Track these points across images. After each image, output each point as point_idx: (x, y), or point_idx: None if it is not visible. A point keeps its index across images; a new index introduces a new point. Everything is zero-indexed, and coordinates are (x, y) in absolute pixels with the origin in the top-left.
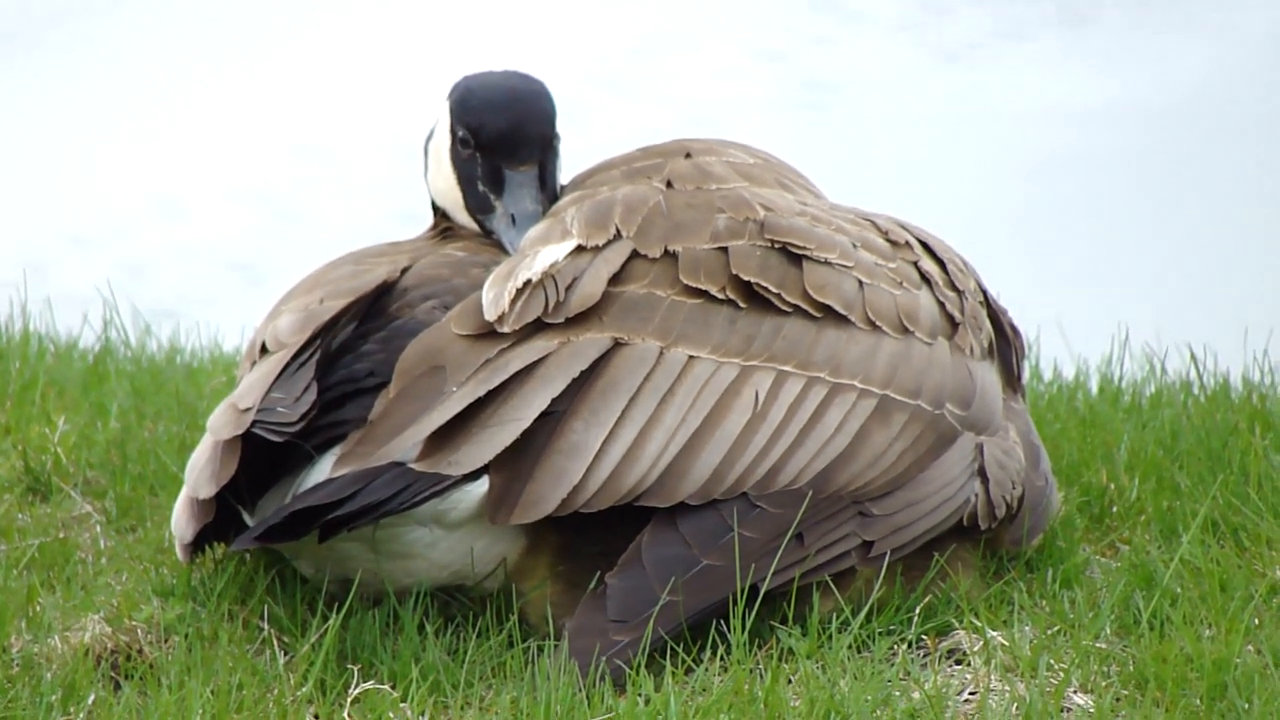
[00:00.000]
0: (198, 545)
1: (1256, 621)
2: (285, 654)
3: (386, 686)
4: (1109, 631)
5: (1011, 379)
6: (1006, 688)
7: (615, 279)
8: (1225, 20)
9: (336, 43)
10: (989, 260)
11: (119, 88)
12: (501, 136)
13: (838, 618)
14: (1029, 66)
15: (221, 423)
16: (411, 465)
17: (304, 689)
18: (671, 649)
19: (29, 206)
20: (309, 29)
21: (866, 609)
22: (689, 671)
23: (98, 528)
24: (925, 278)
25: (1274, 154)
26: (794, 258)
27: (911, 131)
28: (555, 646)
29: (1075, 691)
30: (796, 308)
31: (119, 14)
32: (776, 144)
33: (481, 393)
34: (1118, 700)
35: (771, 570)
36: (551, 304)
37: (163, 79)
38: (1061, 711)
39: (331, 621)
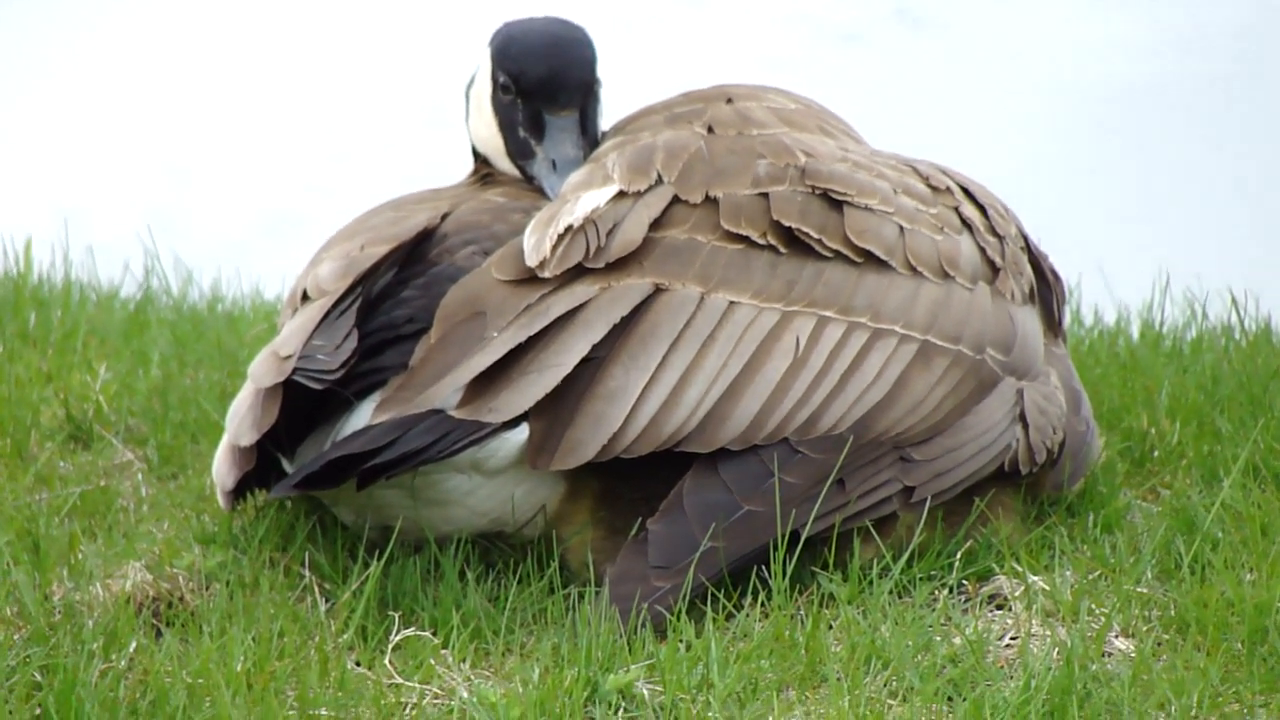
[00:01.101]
0: (239, 493)
1: None
2: (326, 601)
3: (428, 633)
4: (1150, 576)
5: (1052, 324)
6: (1047, 632)
7: (656, 224)
8: None
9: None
10: (1029, 207)
11: (161, 39)
12: (542, 82)
13: (878, 563)
14: (1067, 9)
15: (263, 370)
16: (451, 412)
17: (345, 636)
18: (712, 595)
19: (67, 157)
20: None
21: (907, 554)
22: (730, 617)
23: (139, 475)
24: (966, 223)
25: None
26: (835, 203)
27: (951, 69)
28: (596, 593)
29: (1116, 636)
30: (837, 253)
31: None
32: (814, 83)
33: (522, 338)
34: (1159, 645)
35: (812, 516)
36: (593, 249)
37: (205, 31)
38: (1103, 656)
39: (372, 568)
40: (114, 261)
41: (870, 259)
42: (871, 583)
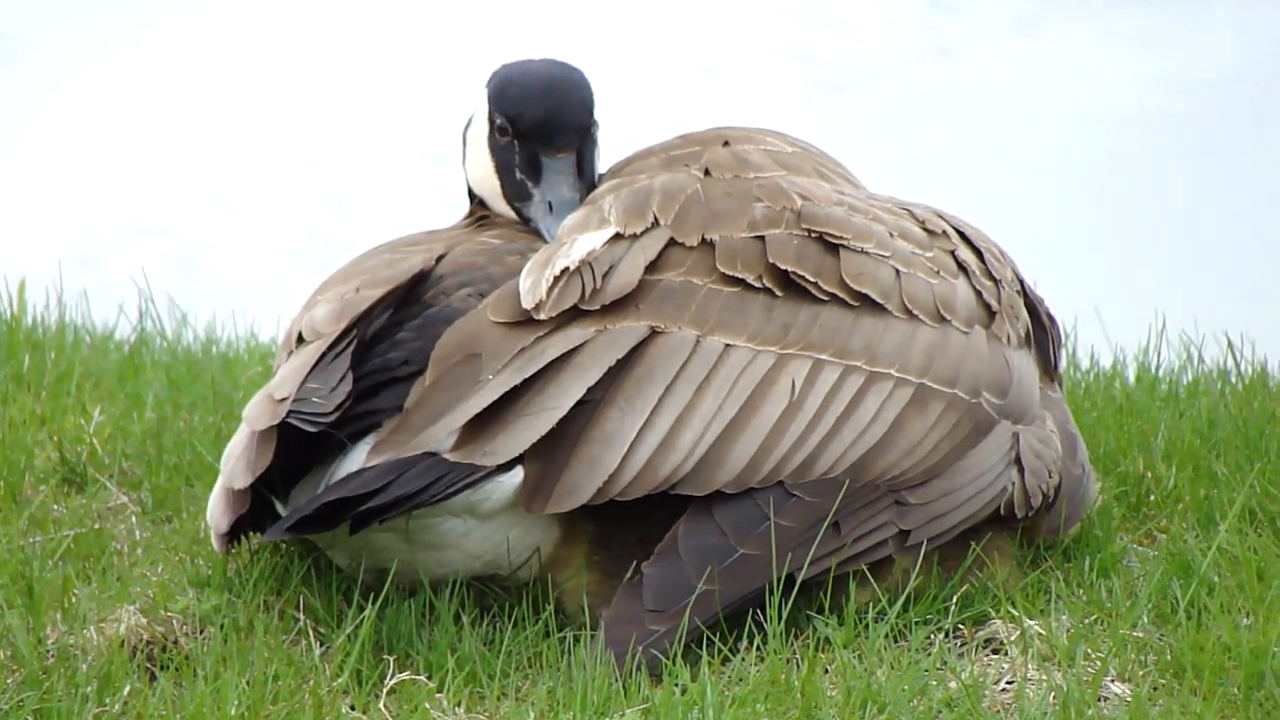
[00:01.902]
0: (233, 536)
1: None
2: (321, 644)
3: (422, 677)
4: (1146, 620)
5: (1048, 368)
6: (1044, 677)
7: (652, 267)
8: (1260, 2)
9: (386, 19)
10: (1026, 249)
11: (163, 80)
12: (539, 124)
13: (874, 607)
14: (1067, 47)
15: (257, 413)
16: (445, 455)
17: (340, 680)
18: (708, 639)
19: (64, 201)
20: (353, 25)
21: (903, 598)
22: (725, 661)
23: (133, 518)
24: (962, 266)
25: None
26: (831, 246)
27: (946, 117)
28: (591, 636)
29: (1113, 680)
30: (833, 296)
31: (162, 9)
32: (811, 130)
33: (517, 381)
34: (1155, 689)
35: (808, 559)
36: (588, 292)
37: (206, 70)
38: (1099, 700)
39: (367, 612)
40: (109, 304)
41: (866, 302)
42: (867, 626)
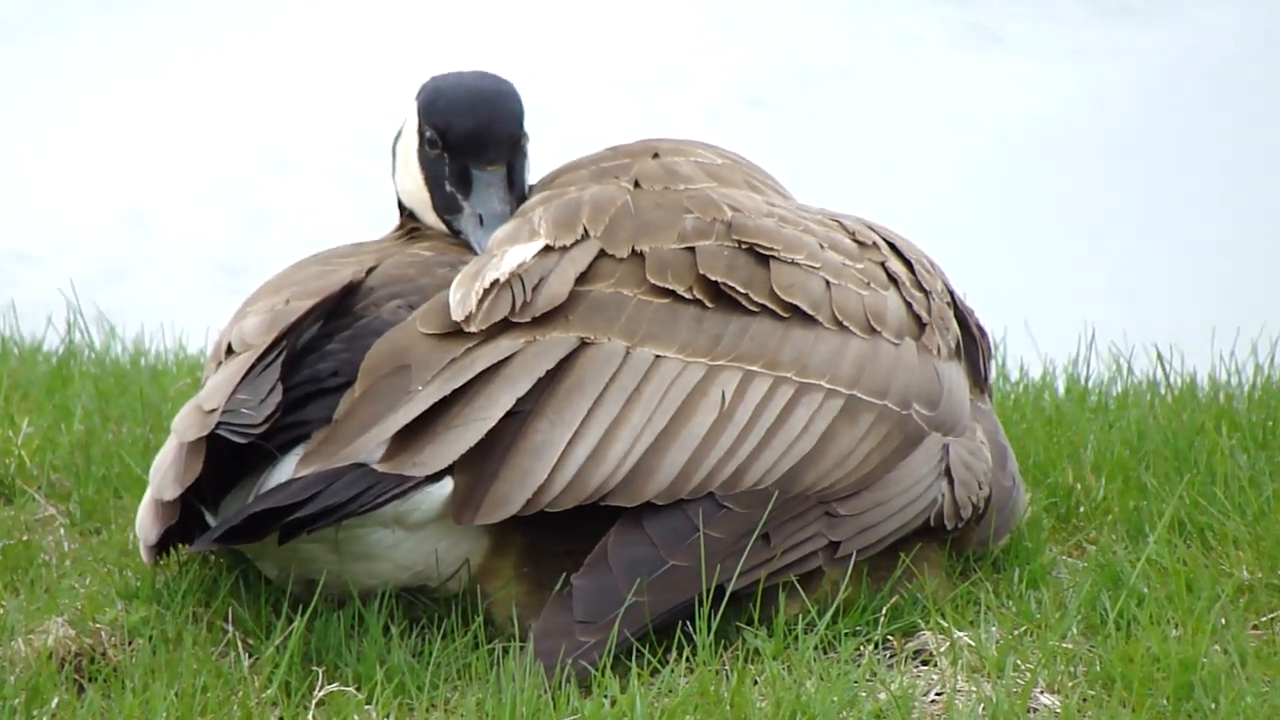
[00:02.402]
0: (162, 547)
1: (1223, 621)
2: (250, 656)
3: (351, 688)
4: (1075, 632)
5: (978, 379)
6: (973, 688)
7: (582, 279)
8: (1192, 16)
9: (304, 40)
10: (956, 261)
11: (85, 93)
12: (469, 137)
13: (804, 619)
14: (995, 61)
15: (186, 424)
16: (375, 466)
17: (269, 691)
18: (637, 650)
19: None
20: (275, 27)
21: (832, 610)
22: (655, 673)
23: (61, 530)
24: (892, 278)
25: (1239, 155)
26: (761, 258)
27: (875, 128)
28: (521, 648)
29: (1042, 692)
30: (763, 307)
31: (83, 21)
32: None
33: (447, 392)
34: (1084, 700)
35: (737, 571)
36: (519, 304)
37: (127, 83)
38: (1028, 712)
39: (296, 623)
40: (37, 316)
41: (797, 313)
42: (797, 638)
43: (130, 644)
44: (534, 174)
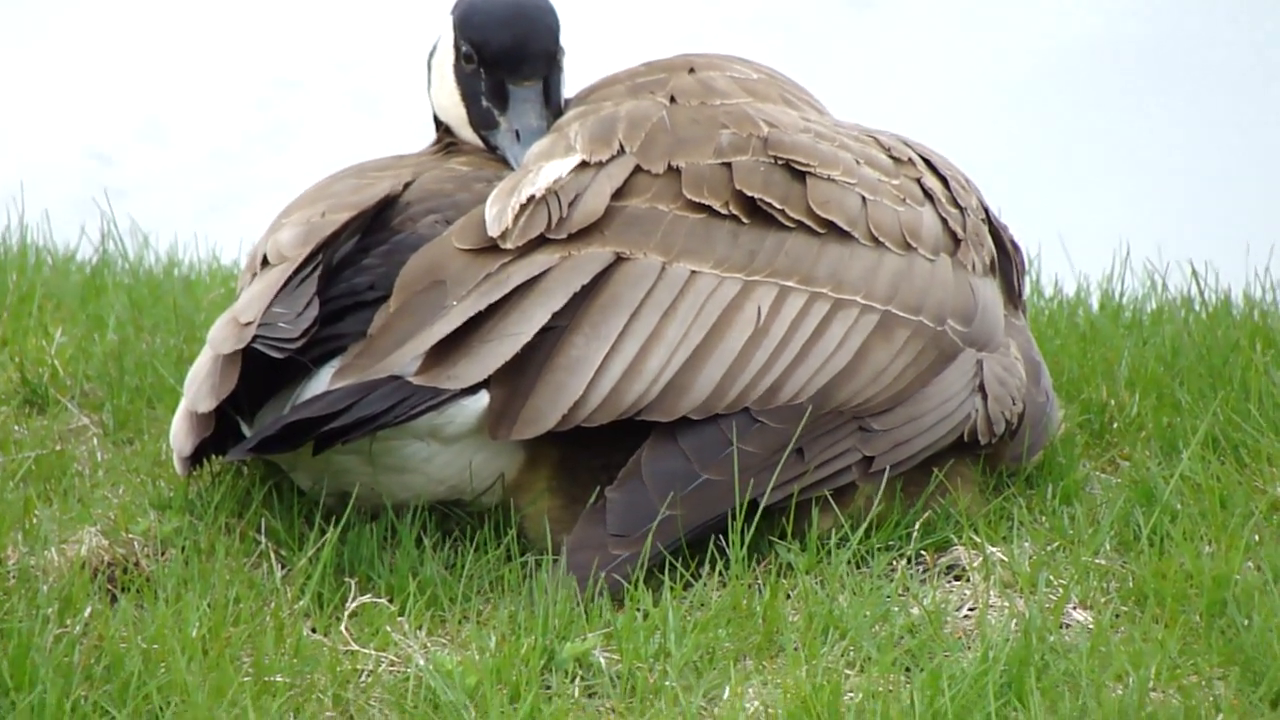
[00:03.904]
0: (196, 459)
1: (1256, 538)
2: (282, 567)
3: (384, 600)
4: (1108, 548)
5: (1012, 295)
6: (1005, 603)
7: (618, 194)
8: None
9: None
10: (990, 176)
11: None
12: (506, 52)
13: (837, 533)
14: None
15: (222, 336)
16: (410, 379)
17: (301, 602)
18: (670, 564)
19: (23, 123)
20: None
21: (866, 524)
22: (687, 586)
23: (94, 440)
24: (928, 194)
25: (1278, 65)
26: (797, 174)
27: (909, 46)
28: (553, 561)
29: (1074, 608)
30: (799, 223)
31: None
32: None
33: (482, 306)
34: (1117, 616)
35: (771, 485)
36: (554, 220)
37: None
38: (1061, 627)
39: (329, 535)
40: (70, 225)
41: (833, 229)
42: (830, 552)
43: (163, 554)
44: (569, 89)
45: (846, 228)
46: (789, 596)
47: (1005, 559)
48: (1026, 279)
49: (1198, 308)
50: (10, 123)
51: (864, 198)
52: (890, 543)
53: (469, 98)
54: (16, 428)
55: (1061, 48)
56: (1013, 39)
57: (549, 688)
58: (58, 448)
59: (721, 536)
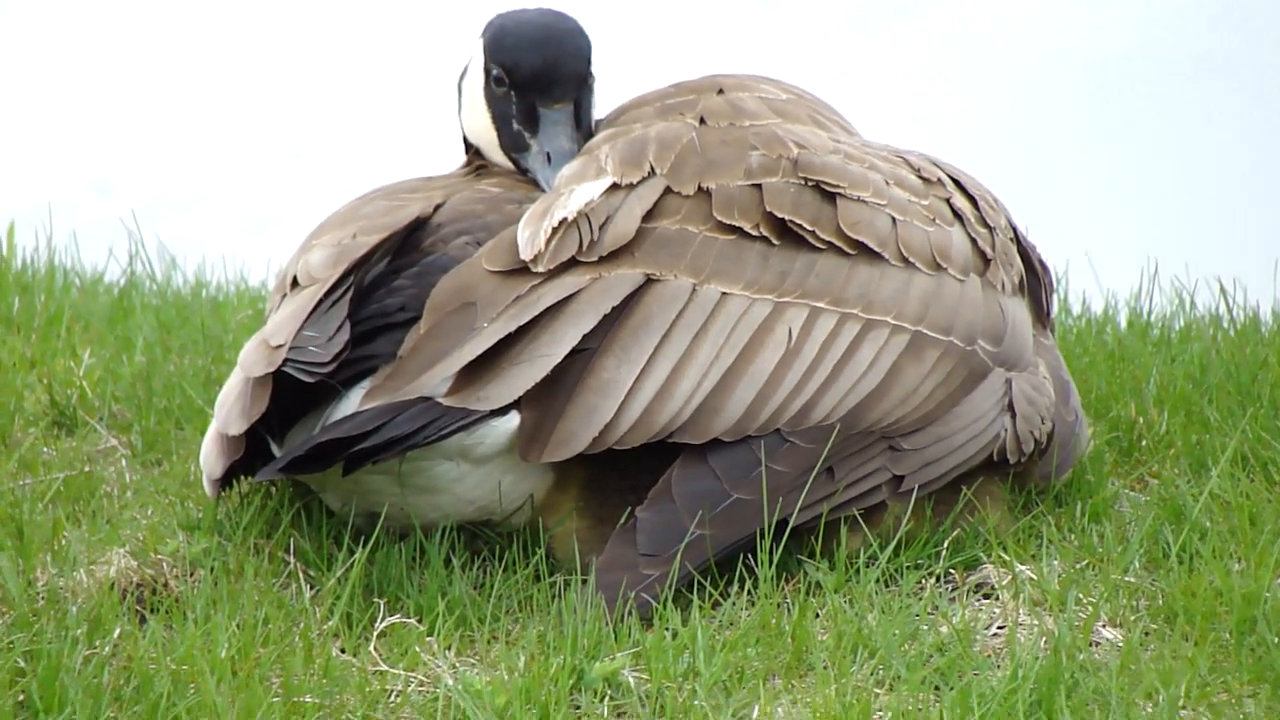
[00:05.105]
0: (226, 481)
1: None
2: (311, 588)
3: (413, 620)
4: (1138, 565)
5: (1040, 315)
6: (1035, 621)
7: (649, 216)
8: None
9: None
10: (1017, 196)
11: (139, 31)
12: (536, 75)
13: (866, 552)
14: None
15: (253, 359)
16: (440, 400)
17: (330, 623)
18: (699, 583)
19: (53, 146)
20: None
21: (895, 543)
22: (716, 606)
23: (123, 461)
24: (957, 214)
25: None
26: (827, 195)
27: (932, 62)
28: (582, 580)
29: (1104, 625)
30: (830, 244)
31: None
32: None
33: (512, 328)
34: (1146, 634)
35: (800, 504)
36: (586, 242)
37: (184, 30)
38: (1090, 645)
39: (358, 555)
40: (98, 247)
41: (863, 250)
42: (859, 571)
43: (192, 575)
44: (599, 110)
45: (877, 248)
46: (818, 615)
47: (1034, 577)
48: (1054, 298)
49: (1226, 325)
50: (41, 147)
51: (894, 218)
52: (919, 561)
53: (500, 120)
54: (45, 449)
55: (1090, 64)
56: (1040, 57)
57: (578, 708)
58: (86, 469)
59: (750, 556)
